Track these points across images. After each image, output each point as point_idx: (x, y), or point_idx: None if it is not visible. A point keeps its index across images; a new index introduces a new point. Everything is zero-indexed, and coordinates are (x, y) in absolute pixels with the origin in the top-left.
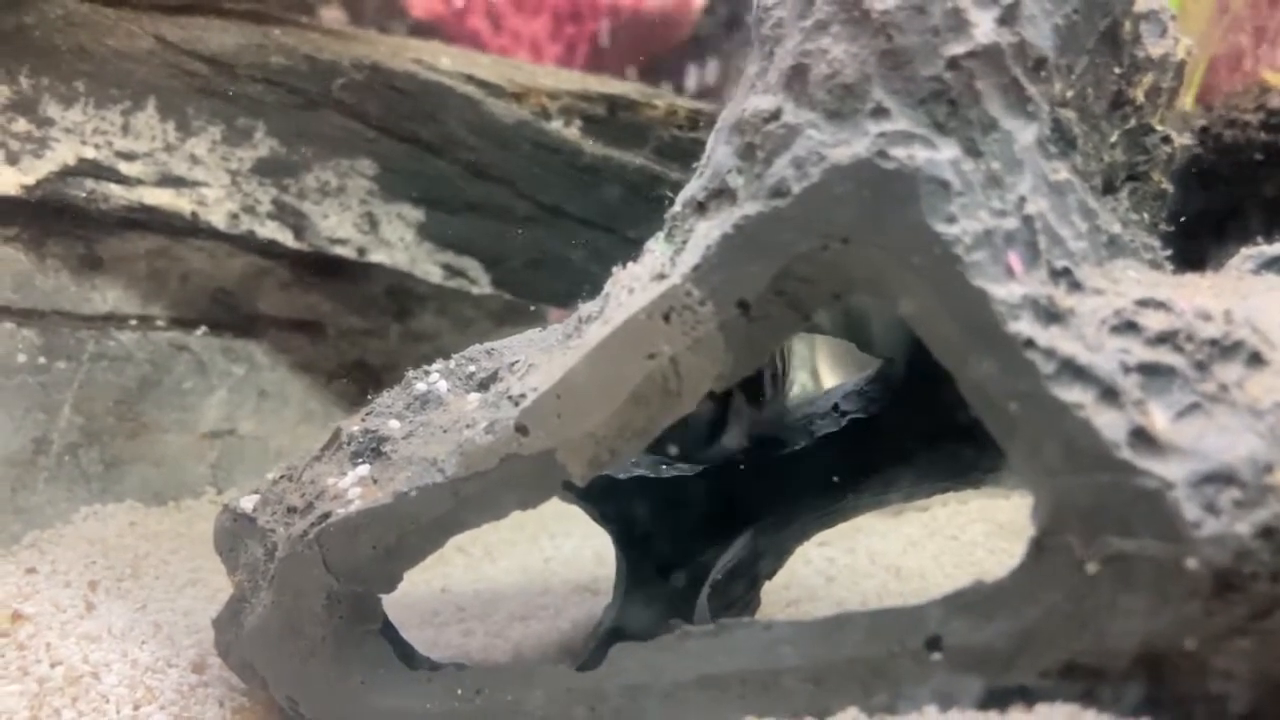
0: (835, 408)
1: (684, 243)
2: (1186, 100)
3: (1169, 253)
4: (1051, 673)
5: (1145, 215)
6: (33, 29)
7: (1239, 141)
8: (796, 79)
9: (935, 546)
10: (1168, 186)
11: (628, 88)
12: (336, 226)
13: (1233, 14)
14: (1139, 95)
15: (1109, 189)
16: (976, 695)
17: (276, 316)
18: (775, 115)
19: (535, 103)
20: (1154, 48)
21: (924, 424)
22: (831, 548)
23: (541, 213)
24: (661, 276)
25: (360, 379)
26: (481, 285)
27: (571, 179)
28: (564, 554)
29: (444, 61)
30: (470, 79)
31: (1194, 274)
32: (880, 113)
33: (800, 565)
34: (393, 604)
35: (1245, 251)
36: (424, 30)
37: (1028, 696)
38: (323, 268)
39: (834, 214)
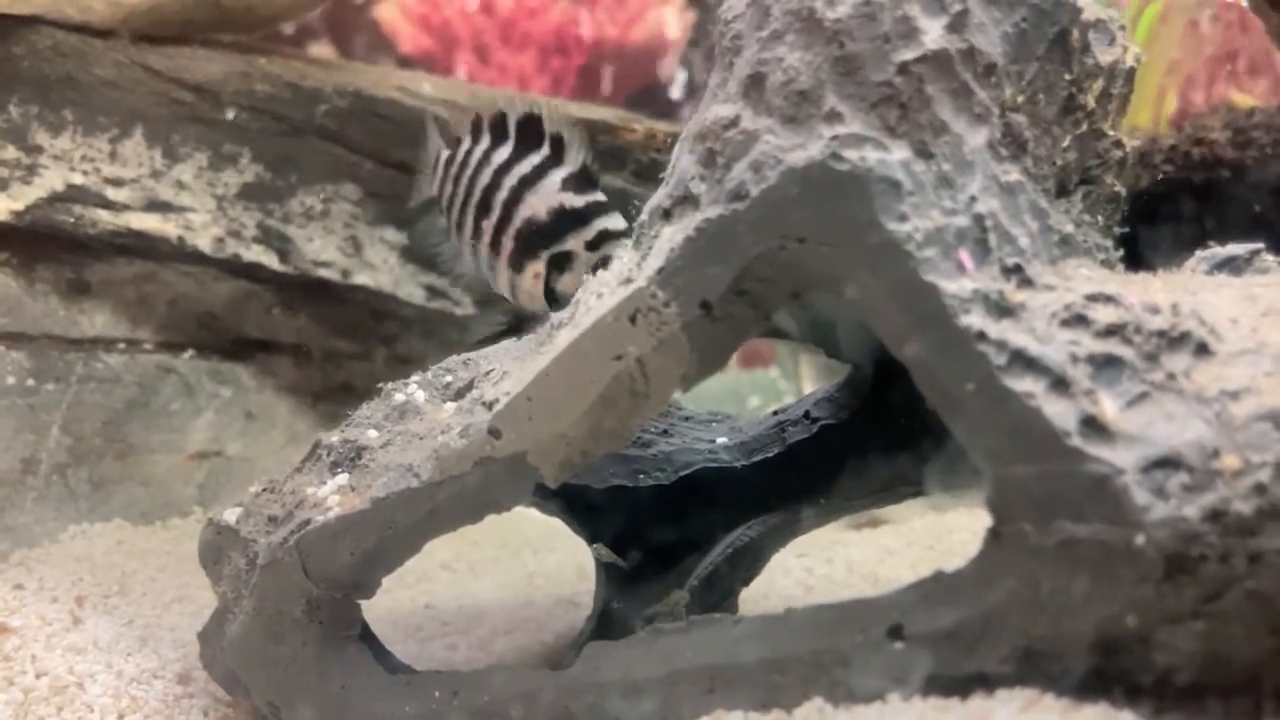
0: (806, 414)
1: (650, 248)
2: (1160, 123)
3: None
4: (1010, 658)
5: (1100, 218)
6: (22, 59)
7: (1206, 158)
8: (754, 87)
9: (912, 555)
10: (1121, 190)
11: (607, 113)
12: (321, 250)
13: (1202, 39)
14: (1090, 101)
15: (1063, 191)
16: (938, 681)
17: (263, 339)
18: (734, 122)
19: None
20: (1103, 55)
21: (892, 426)
22: (810, 558)
23: None
24: (628, 281)
25: (345, 401)
26: (464, 307)
27: None
28: (547, 569)
29: (425, 88)
30: (452, 105)
31: (1146, 273)
32: (833, 117)
33: (779, 576)
34: (377, 619)
35: (1200, 254)
36: (412, 65)
37: (988, 683)
38: (308, 291)
39: (790, 215)
